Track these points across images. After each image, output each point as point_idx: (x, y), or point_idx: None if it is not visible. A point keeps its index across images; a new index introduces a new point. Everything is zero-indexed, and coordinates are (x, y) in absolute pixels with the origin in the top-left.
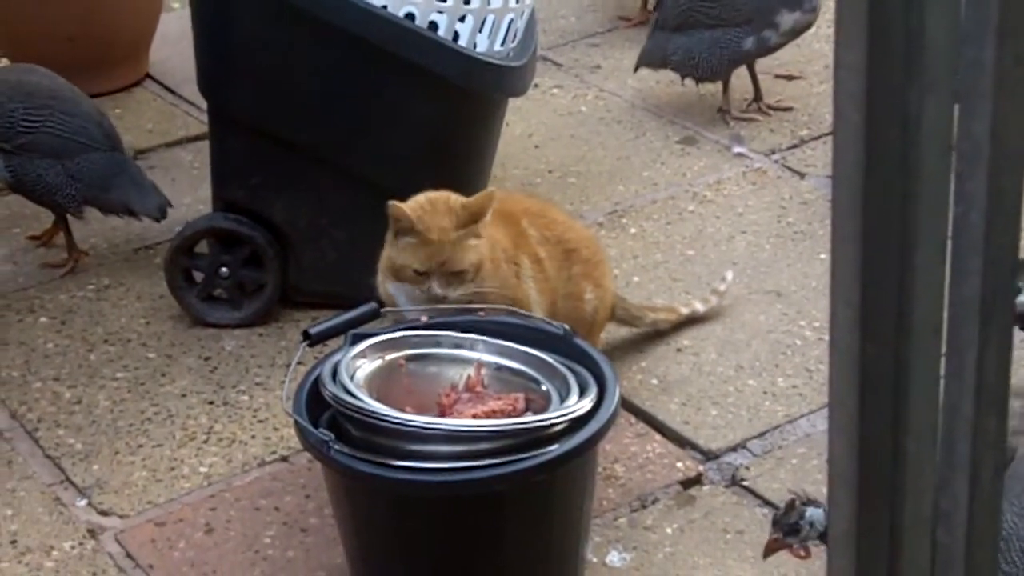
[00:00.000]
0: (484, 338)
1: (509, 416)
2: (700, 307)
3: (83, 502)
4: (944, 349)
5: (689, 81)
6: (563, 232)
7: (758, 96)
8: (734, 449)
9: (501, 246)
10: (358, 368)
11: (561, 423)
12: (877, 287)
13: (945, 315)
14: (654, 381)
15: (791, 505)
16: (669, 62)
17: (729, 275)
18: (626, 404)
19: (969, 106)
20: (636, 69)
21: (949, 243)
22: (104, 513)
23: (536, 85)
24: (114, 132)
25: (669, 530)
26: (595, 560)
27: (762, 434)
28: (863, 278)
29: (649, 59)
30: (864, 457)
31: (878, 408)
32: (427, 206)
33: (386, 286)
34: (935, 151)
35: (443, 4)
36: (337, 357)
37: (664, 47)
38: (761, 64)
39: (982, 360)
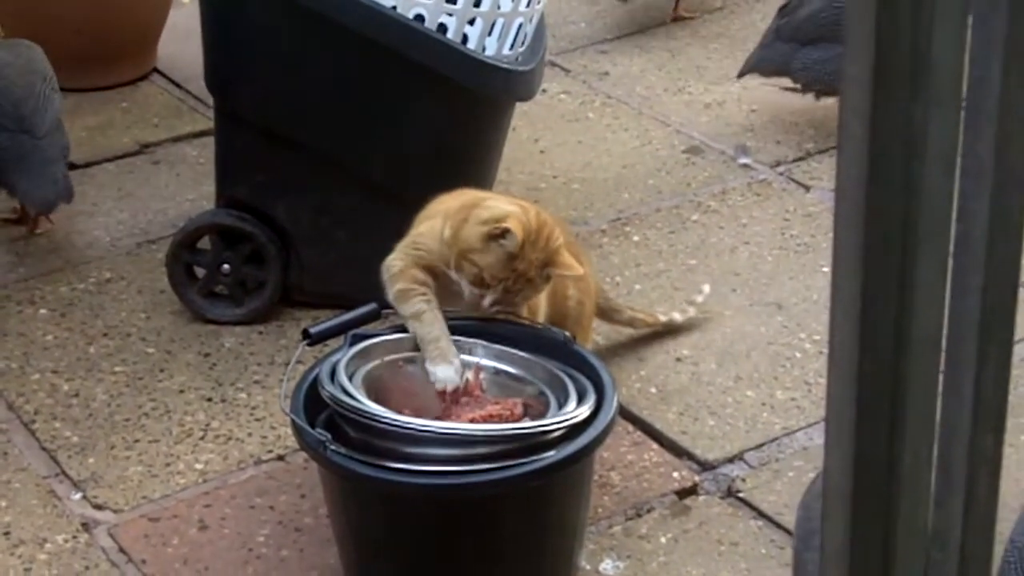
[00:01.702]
0: (483, 342)
1: (507, 421)
2: (678, 317)
3: (78, 495)
4: (943, 366)
5: (696, 88)
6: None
7: None
8: (731, 460)
9: None
10: (357, 369)
11: (558, 429)
12: (877, 302)
13: (945, 332)
14: (653, 390)
15: None
16: (792, 73)
17: (706, 287)
18: (624, 412)
19: (974, 124)
20: (741, 75)
21: (950, 260)
22: (98, 507)
23: (544, 90)
24: (34, 114)
25: (663, 539)
26: (589, 568)
27: (759, 446)
28: (863, 293)
29: (762, 67)
30: (860, 472)
31: (875, 423)
32: (533, 234)
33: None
34: (939, 168)
35: (453, 7)
36: (336, 357)
37: (787, 58)
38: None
39: (980, 377)
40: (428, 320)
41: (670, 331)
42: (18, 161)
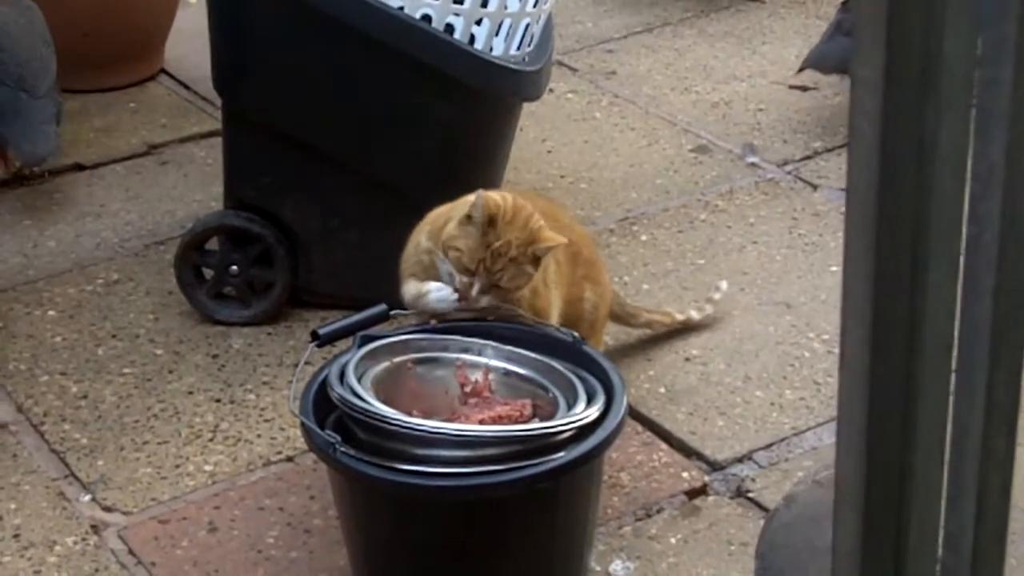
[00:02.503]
0: (492, 343)
1: (516, 422)
2: (695, 315)
3: (87, 498)
4: (955, 368)
5: (704, 87)
6: (569, 235)
7: None
8: (740, 460)
9: None
10: (366, 370)
11: (568, 430)
12: (889, 305)
13: (956, 334)
14: (661, 390)
15: None
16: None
17: (723, 284)
18: (633, 413)
19: (985, 127)
20: (801, 70)
21: (962, 263)
22: (108, 509)
23: (551, 90)
24: (35, 76)
25: (673, 540)
26: (598, 569)
27: (768, 446)
28: (875, 295)
29: (823, 63)
30: (871, 475)
31: (887, 426)
32: (508, 214)
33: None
34: (950, 171)
35: (460, 7)
36: (345, 358)
37: (849, 53)
38: (775, 74)
39: (993, 379)
40: (415, 282)
41: (679, 331)
42: (14, 116)
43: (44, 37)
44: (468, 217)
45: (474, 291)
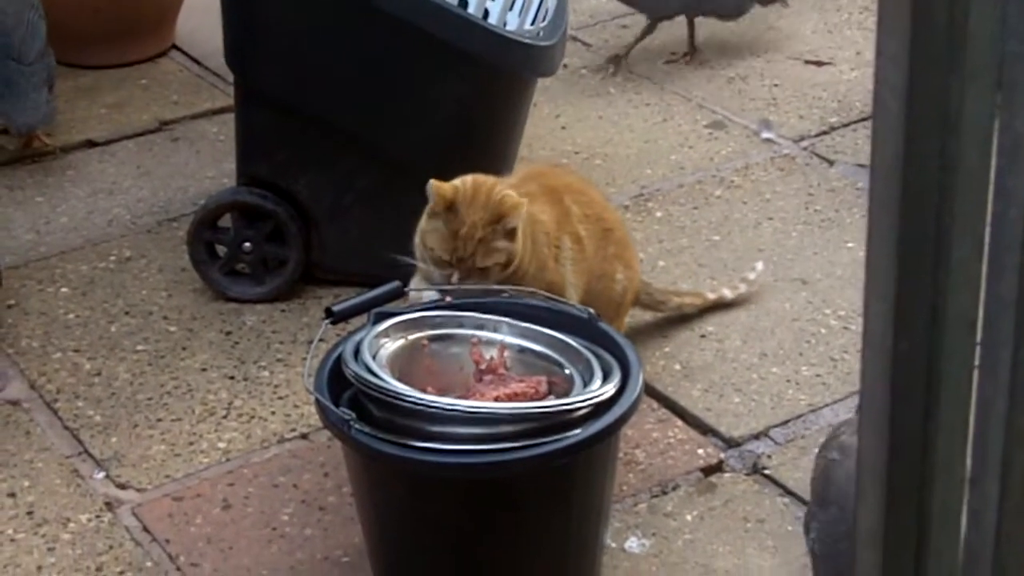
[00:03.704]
0: (508, 320)
1: (531, 399)
2: (728, 294)
3: (101, 475)
4: (978, 345)
5: (719, 63)
6: (601, 212)
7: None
8: (756, 437)
9: (544, 228)
10: (381, 347)
11: (584, 407)
12: (912, 282)
13: (981, 311)
14: (677, 367)
15: None
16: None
17: (759, 265)
18: (648, 389)
19: (1010, 100)
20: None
21: (987, 239)
22: (122, 486)
23: (565, 65)
24: (23, 43)
25: (689, 517)
26: (614, 545)
27: (785, 422)
28: (898, 272)
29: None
30: (894, 453)
31: (910, 404)
32: (468, 195)
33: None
34: (975, 145)
35: None
36: (360, 335)
37: None
38: (790, 50)
39: (1017, 358)
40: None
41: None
42: (5, 85)
43: (32, 2)
44: (431, 212)
45: (454, 279)
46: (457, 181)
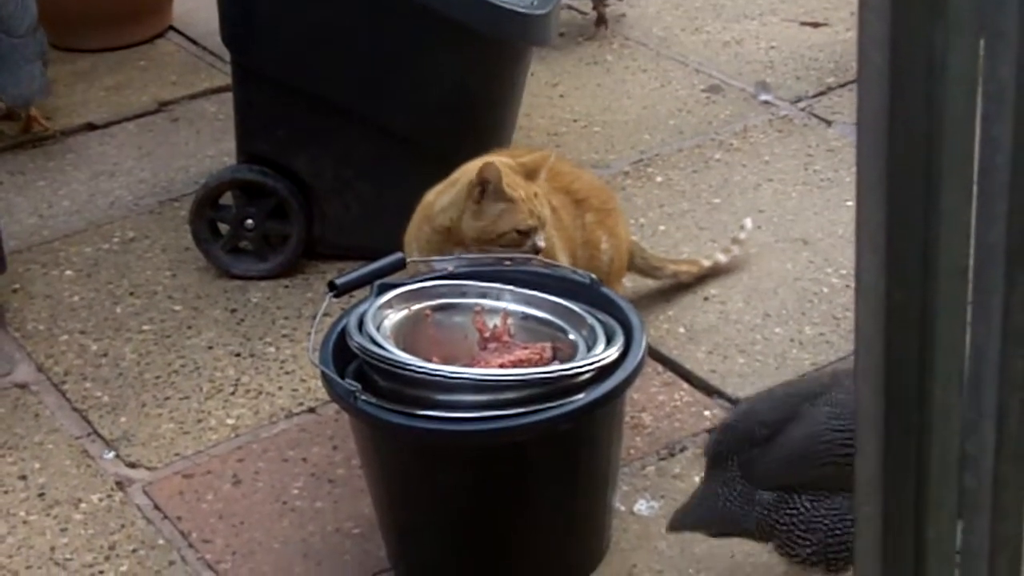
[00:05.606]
0: (510, 287)
1: (536, 365)
2: (722, 258)
3: (111, 455)
4: (970, 293)
5: (714, 27)
6: (570, 183)
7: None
8: None
9: None
10: (384, 318)
11: (588, 372)
12: (903, 232)
13: (971, 259)
14: (681, 330)
15: None
16: None
17: (748, 222)
18: (653, 353)
19: (994, 47)
20: None
21: (975, 187)
22: (132, 465)
23: (562, 34)
24: (12, 16)
25: (697, 479)
26: (623, 509)
27: (789, 382)
28: (888, 223)
29: None
30: (891, 402)
31: (904, 353)
32: (504, 169)
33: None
34: (960, 94)
35: None
36: (363, 308)
37: None
38: (786, 11)
39: (1008, 304)
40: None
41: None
42: None
43: None
44: (483, 202)
45: (541, 241)
46: (478, 161)
